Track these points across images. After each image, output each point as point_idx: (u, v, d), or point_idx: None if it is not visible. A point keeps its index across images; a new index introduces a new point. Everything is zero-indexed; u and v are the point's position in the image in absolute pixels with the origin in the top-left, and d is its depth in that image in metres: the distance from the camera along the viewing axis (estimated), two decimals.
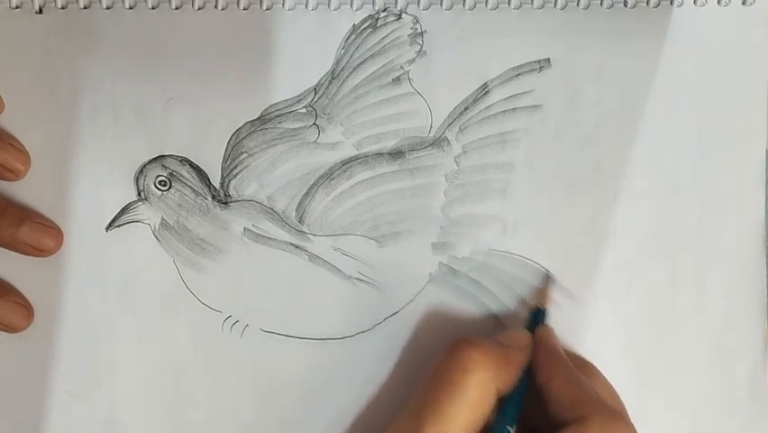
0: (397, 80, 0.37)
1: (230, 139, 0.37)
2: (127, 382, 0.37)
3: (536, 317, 0.36)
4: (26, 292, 0.37)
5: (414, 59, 0.37)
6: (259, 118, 0.37)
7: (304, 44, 0.37)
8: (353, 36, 0.37)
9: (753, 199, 0.38)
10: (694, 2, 0.38)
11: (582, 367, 0.35)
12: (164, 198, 0.37)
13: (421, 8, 0.37)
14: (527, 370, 0.34)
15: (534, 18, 0.37)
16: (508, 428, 0.32)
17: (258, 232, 0.37)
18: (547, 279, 0.37)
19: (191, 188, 0.37)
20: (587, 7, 0.38)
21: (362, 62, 0.37)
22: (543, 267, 0.37)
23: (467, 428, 0.31)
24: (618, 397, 0.34)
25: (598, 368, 0.36)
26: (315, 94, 0.37)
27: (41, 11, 0.37)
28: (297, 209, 0.37)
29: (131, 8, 0.37)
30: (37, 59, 0.37)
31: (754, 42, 0.38)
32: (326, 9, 0.37)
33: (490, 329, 0.37)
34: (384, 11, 0.37)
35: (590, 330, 0.38)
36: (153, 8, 0.37)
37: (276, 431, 0.37)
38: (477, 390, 0.32)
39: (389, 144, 0.37)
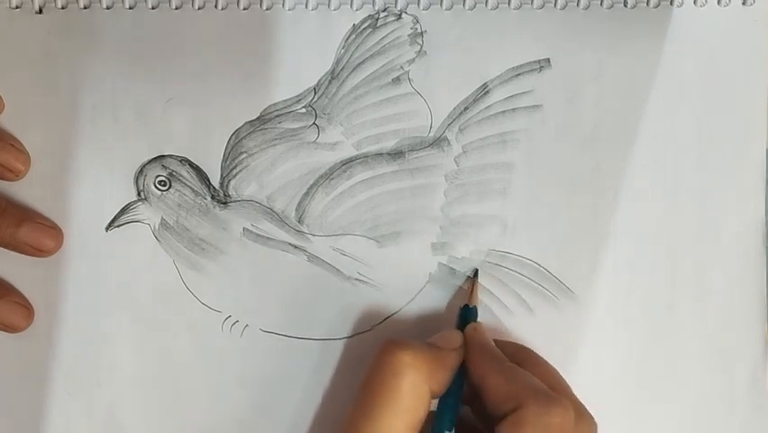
0: (396, 80, 0.37)
1: (229, 139, 0.37)
2: (127, 382, 0.37)
3: (467, 316, 0.36)
4: (26, 292, 0.37)
5: (414, 60, 0.37)
6: (258, 118, 0.37)
7: (304, 44, 0.37)
8: (353, 36, 0.37)
9: (753, 199, 0.38)
10: (694, 2, 0.38)
11: (517, 353, 0.34)
12: (164, 198, 0.37)
13: (421, 8, 0.37)
14: (461, 370, 0.33)
15: (534, 18, 0.37)
16: (446, 432, 0.32)
17: (257, 232, 0.37)
18: (474, 278, 0.37)
19: (191, 188, 0.37)
20: (587, 7, 0.38)
21: (362, 62, 0.37)
22: (541, 266, 0.37)
23: None
24: (558, 378, 0.34)
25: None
26: (315, 94, 0.37)
27: (41, 11, 0.37)
28: (296, 209, 0.37)
29: (131, 8, 0.37)
30: (37, 59, 0.37)
31: (754, 42, 0.38)
32: (326, 9, 0.37)
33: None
34: (384, 11, 0.37)
35: (590, 330, 0.38)
36: (153, 8, 0.37)
37: (275, 431, 0.37)
38: (410, 394, 0.31)
39: (389, 144, 0.37)
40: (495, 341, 0.35)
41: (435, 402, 0.33)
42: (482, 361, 0.33)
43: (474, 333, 0.34)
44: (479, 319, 0.36)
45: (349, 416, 0.32)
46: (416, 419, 0.31)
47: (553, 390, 0.31)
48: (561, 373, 0.34)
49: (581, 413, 0.32)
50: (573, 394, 0.33)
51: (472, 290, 0.37)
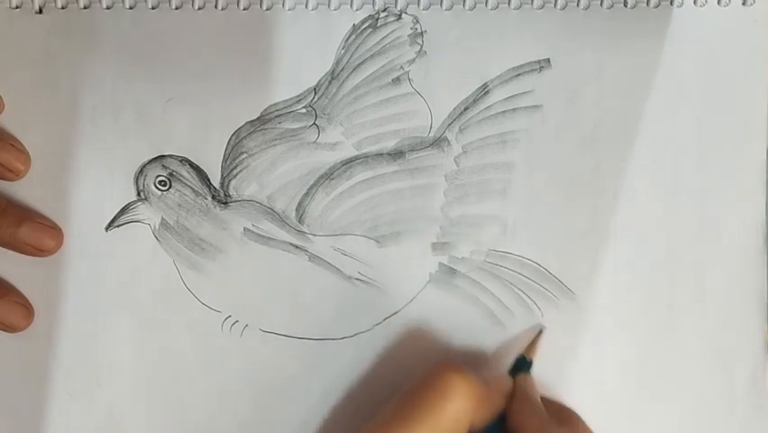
0: (396, 80, 0.37)
1: (230, 139, 0.37)
2: (127, 382, 0.37)
3: (521, 366, 0.36)
4: (26, 292, 0.37)
5: (414, 60, 0.37)
6: (259, 118, 0.37)
7: (304, 44, 0.37)
8: (353, 36, 0.37)
9: (753, 199, 0.38)
10: (694, 2, 0.38)
11: (561, 414, 0.35)
12: (164, 198, 0.37)
13: (421, 8, 0.37)
14: (501, 415, 0.34)
15: (534, 18, 0.37)
16: None
17: (258, 232, 0.37)
18: (539, 332, 0.37)
19: (191, 188, 0.37)
20: (587, 8, 0.38)
21: (362, 62, 0.37)
22: (541, 266, 0.37)
23: None
24: None
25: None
26: (315, 94, 0.37)
27: (40, 11, 0.37)
28: (296, 209, 0.37)
29: (131, 8, 0.37)
30: (37, 60, 0.37)
31: (754, 42, 0.38)
32: (326, 9, 0.37)
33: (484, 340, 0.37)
34: (384, 11, 0.37)
35: (590, 330, 0.38)
36: (153, 8, 0.37)
37: (275, 431, 0.37)
38: (451, 418, 0.31)
39: (389, 144, 0.37)
40: (542, 398, 0.35)
41: None
42: (525, 412, 0.33)
43: (524, 383, 0.35)
44: (532, 371, 0.36)
45: (383, 421, 0.32)
46: None
47: None
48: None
49: None
50: None
51: (534, 343, 0.37)
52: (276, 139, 0.37)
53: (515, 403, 0.34)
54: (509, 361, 0.37)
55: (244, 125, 0.37)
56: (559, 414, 0.35)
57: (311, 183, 0.37)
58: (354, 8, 0.37)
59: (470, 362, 0.37)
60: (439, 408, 0.31)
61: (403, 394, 0.32)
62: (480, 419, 0.32)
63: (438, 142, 0.37)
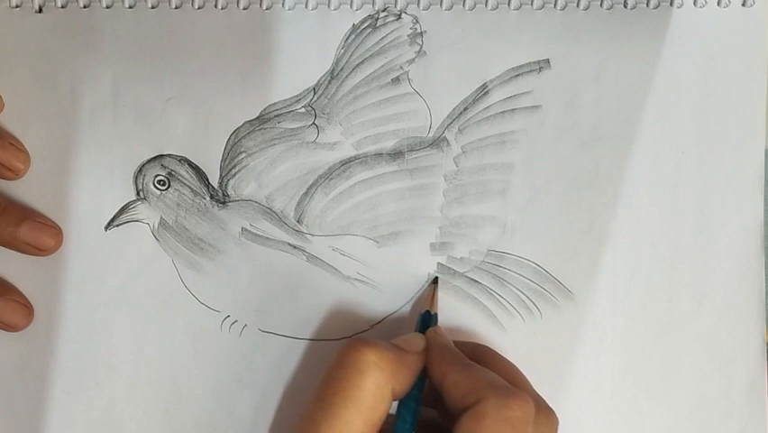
0: (396, 80, 0.37)
1: (229, 138, 0.37)
2: (125, 382, 0.37)
3: (427, 321, 0.36)
4: (26, 292, 0.37)
5: (413, 60, 0.37)
6: (258, 118, 0.37)
7: (303, 44, 0.37)
8: (353, 36, 0.37)
9: (752, 200, 0.38)
10: (694, 3, 0.38)
11: (476, 351, 0.34)
12: (163, 198, 0.37)
13: (421, 8, 0.37)
14: (422, 374, 0.33)
15: (533, 19, 0.37)
16: None
17: (256, 232, 0.37)
18: (434, 284, 0.37)
19: (190, 187, 0.37)
20: (586, 8, 0.38)
21: (362, 62, 0.37)
22: (540, 267, 0.37)
23: (364, 432, 0.30)
24: (518, 373, 0.34)
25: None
26: (315, 94, 0.37)
27: (40, 10, 0.37)
28: (295, 209, 0.37)
29: (131, 8, 0.37)
30: (37, 59, 0.37)
31: (754, 43, 0.38)
32: (326, 9, 0.37)
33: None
34: (384, 11, 0.37)
35: (589, 330, 0.38)
36: (153, 8, 0.37)
37: (274, 431, 0.37)
38: (372, 392, 0.31)
39: (389, 144, 0.37)
40: (454, 342, 0.35)
41: (395, 405, 0.32)
42: (442, 360, 0.33)
43: (435, 336, 0.34)
44: (439, 324, 0.36)
45: (307, 410, 0.31)
46: (376, 419, 0.31)
47: (512, 384, 0.31)
48: (521, 370, 0.34)
49: (542, 407, 0.32)
50: (533, 389, 0.33)
51: (433, 296, 0.37)
52: (275, 138, 0.37)
53: (431, 356, 0.33)
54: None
55: (243, 125, 0.37)
56: (474, 352, 0.34)
57: (310, 183, 0.37)
58: (354, 8, 0.37)
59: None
60: (356, 385, 0.31)
61: (320, 381, 0.32)
62: (400, 383, 0.32)
63: (437, 142, 0.37)
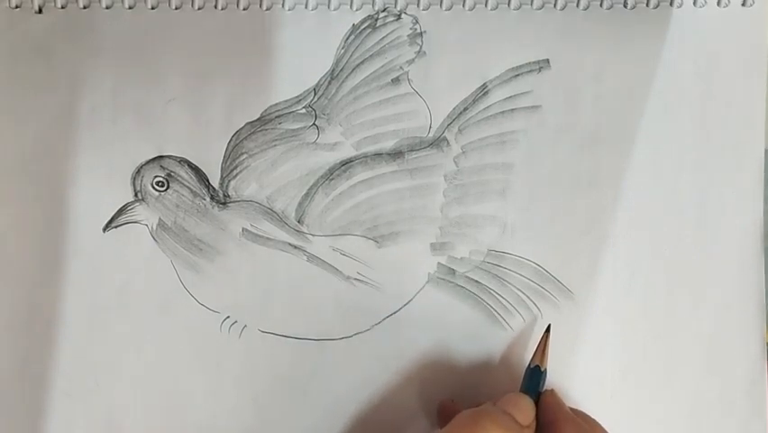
0: (396, 81, 0.37)
1: (230, 140, 0.37)
2: (125, 383, 0.37)
3: (537, 379, 0.35)
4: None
5: (413, 60, 0.37)
6: (259, 119, 0.37)
7: (303, 44, 0.37)
8: (353, 36, 0.37)
9: (751, 200, 0.38)
10: (694, 3, 0.38)
11: (586, 422, 0.34)
12: (161, 199, 0.37)
13: (421, 8, 0.37)
14: None
15: (533, 19, 0.37)
16: None
17: (256, 232, 0.37)
18: (546, 333, 0.36)
19: (189, 188, 0.37)
20: (586, 8, 0.38)
21: (362, 62, 0.37)
22: (540, 266, 0.37)
23: None
24: None
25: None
26: (315, 94, 0.37)
27: (40, 11, 0.37)
28: (296, 210, 0.37)
29: (131, 8, 0.37)
30: (37, 59, 0.37)
31: (754, 43, 0.38)
32: (326, 9, 0.37)
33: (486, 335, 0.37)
34: (384, 11, 0.37)
35: (589, 330, 0.38)
36: (153, 8, 0.37)
37: (274, 431, 0.37)
38: None
39: (389, 145, 0.37)
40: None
41: None
42: (563, 429, 0.33)
43: (553, 399, 0.34)
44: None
45: None
46: None
47: None
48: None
49: None
50: None
51: (545, 348, 0.36)
52: (276, 139, 0.37)
53: (555, 420, 0.33)
54: (511, 361, 0.37)
55: (244, 126, 0.37)
56: (584, 421, 0.34)
57: (311, 183, 0.37)
58: (354, 8, 0.37)
59: (472, 363, 0.37)
60: None
61: None
62: None
63: (437, 142, 0.37)
